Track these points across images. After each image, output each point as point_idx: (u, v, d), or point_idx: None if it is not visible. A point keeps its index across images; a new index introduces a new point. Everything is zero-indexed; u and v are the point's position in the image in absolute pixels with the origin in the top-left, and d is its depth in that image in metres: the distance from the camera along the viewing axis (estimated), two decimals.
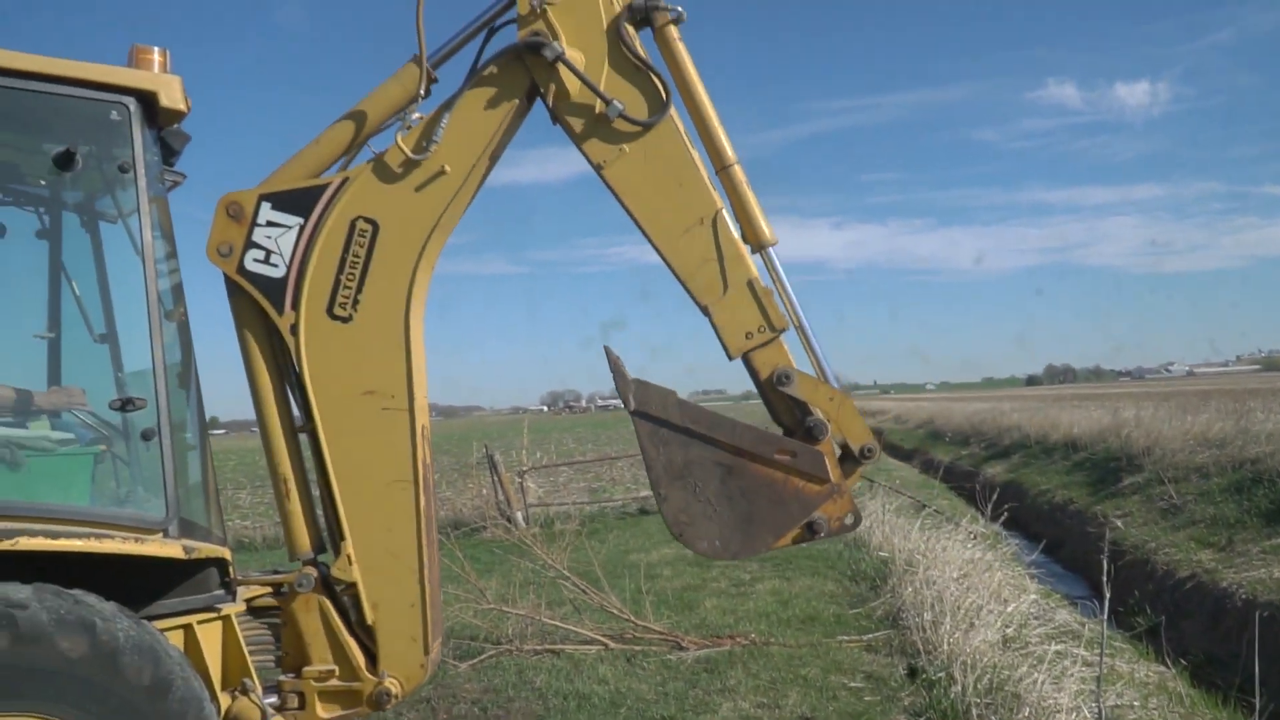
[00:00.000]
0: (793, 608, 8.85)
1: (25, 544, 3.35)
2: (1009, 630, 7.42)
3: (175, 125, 4.30)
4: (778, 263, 4.60)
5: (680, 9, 4.58)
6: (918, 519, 11.53)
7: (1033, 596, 8.66)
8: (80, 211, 4.58)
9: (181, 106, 4.15)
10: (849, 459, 4.51)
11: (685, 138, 4.59)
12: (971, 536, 10.57)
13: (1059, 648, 6.76)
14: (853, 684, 6.63)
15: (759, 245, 4.59)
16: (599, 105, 4.47)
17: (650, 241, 4.62)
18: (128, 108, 4.00)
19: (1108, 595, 4.96)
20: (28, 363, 4.63)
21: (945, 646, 6.85)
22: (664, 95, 4.50)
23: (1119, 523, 14.28)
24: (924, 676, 6.61)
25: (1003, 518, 10.29)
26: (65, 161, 3.92)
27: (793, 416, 4.56)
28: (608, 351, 4.53)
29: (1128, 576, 11.69)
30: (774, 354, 4.54)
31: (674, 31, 4.60)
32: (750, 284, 4.54)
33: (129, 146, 4.01)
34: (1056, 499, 18.47)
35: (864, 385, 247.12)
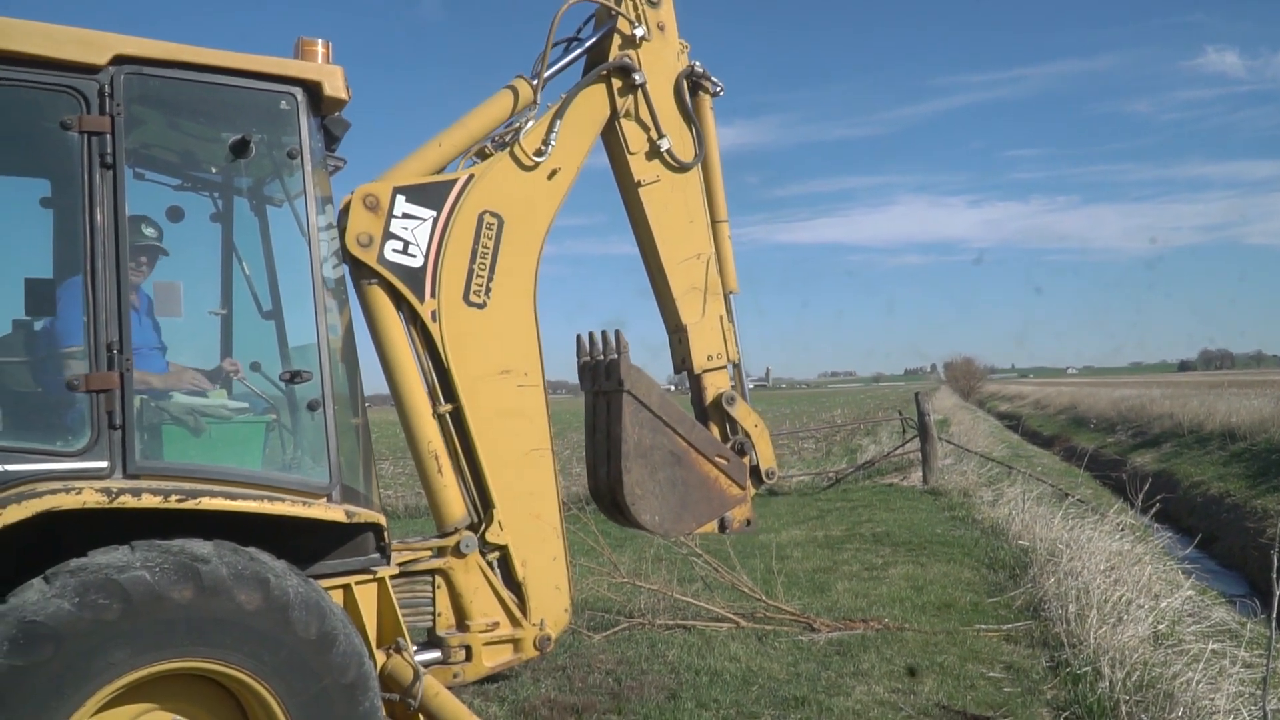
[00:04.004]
0: (927, 594, 8.68)
1: (207, 504, 3.62)
2: (1160, 626, 7.10)
3: (336, 113, 4.53)
4: (734, 309, 5.70)
5: (721, 85, 5.63)
6: (1060, 508, 11.12)
7: (1187, 592, 8.24)
8: (250, 196, 4.86)
9: (343, 95, 4.36)
10: (756, 476, 5.60)
11: (701, 187, 5.58)
12: (1119, 528, 10.14)
13: (1216, 646, 6.43)
14: (992, 674, 6.49)
15: (727, 290, 5.68)
16: (653, 134, 5.38)
17: (655, 258, 5.50)
18: (296, 97, 4.23)
19: (1278, 593, 4.70)
20: (203, 337, 4.96)
21: (1091, 640, 6.61)
22: (696, 147, 5.51)
23: None
24: (1068, 670, 6.41)
25: (1153, 509, 9.81)
26: (241, 149, 4.16)
27: (722, 432, 5.59)
28: (618, 335, 5.31)
29: None
30: (721, 379, 5.61)
31: (709, 101, 5.63)
32: (721, 318, 5.61)
33: (296, 134, 4.25)
34: (1212, 491, 17.50)
35: (1002, 369, 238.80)
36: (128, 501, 3.50)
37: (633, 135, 5.37)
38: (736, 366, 5.70)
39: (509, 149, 5.03)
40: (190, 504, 3.59)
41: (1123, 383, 74.30)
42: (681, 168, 5.46)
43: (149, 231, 4.32)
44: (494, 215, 4.92)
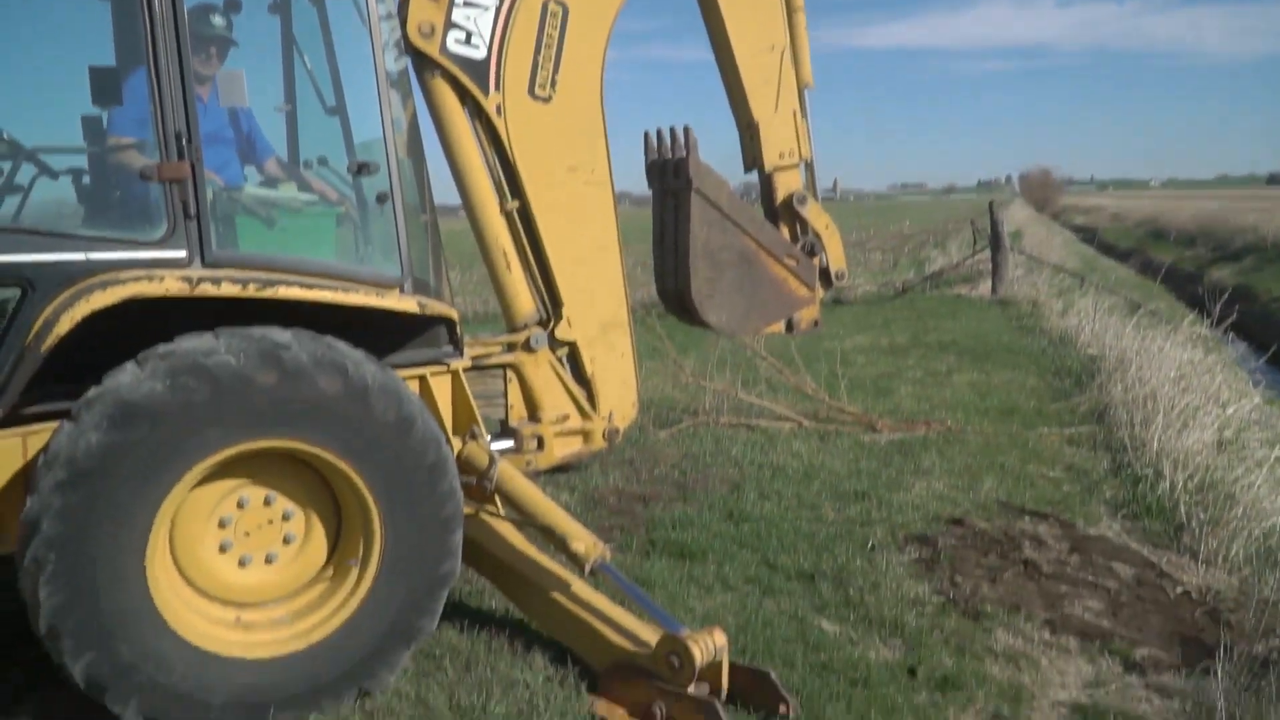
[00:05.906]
0: (991, 399, 8.72)
1: (284, 293, 3.69)
2: (1226, 433, 7.08)
3: None
4: (808, 105, 5.53)
5: None
6: (1132, 319, 10.93)
7: (1256, 401, 8.16)
8: None
9: None
10: (825, 277, 5.58)
11: None
12: (1191, 339, 9.97)
13: None
14: (1052, 474, 6.57)
15: (801, 84, 5.49)
16: None
17: (727, 53, 5.29)
18: None
19: None
20: (269, 133, 4.93)
21: (1155, 445, 6.63)
22: None
23: None
24: (1129, 472, 6.46)
25: (1229, 321, 9.58)
26: None
27: (792, 233, 5.55)
28: (687, 131, 5.16)
29: None
30: (792, 178, 5.50)
31: None
32: (794, 113, 5.45)
33: None
34: None
35: (1080, 180, 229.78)
36: (208, 290, 3.57)
37: None
38: (808, 165, 5.58)
39: None
40: (269, 293, 3.66)
41: (1207, 195, 71.26)
42: None
43: (217, 21, 4.23)
44: (559, 4, 4.73)
